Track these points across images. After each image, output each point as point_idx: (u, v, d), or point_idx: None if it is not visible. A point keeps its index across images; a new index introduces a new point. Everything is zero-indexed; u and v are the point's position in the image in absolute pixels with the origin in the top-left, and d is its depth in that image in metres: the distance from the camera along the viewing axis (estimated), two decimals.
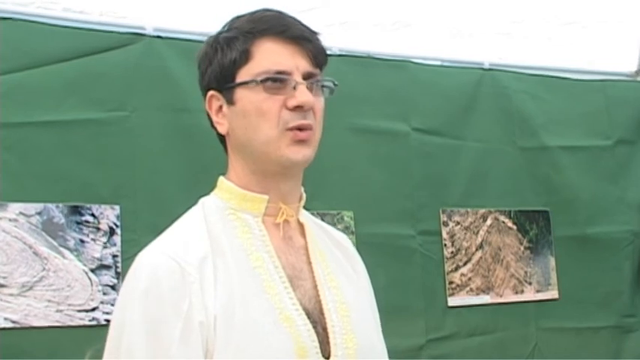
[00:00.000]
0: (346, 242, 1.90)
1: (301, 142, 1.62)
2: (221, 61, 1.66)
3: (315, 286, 1.67)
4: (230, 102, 1.66)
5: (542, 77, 4.84)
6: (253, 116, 1.62)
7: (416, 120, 4.40)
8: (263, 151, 1.63)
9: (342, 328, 1.64)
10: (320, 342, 1.60)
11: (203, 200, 1.73)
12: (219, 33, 1.69)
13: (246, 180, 1.68)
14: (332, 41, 4.17)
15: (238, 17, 1.69)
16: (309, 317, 1.61)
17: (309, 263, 1.70)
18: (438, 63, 4.60)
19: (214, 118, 1.70)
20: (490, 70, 4.65)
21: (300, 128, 1.62)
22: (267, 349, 1.53)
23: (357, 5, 4.41)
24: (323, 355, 1.59)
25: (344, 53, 4.20)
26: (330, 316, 1.64)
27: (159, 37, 3.82)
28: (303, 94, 1.61)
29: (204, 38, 3.74)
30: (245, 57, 1.63)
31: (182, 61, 3.79)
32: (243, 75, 1.64)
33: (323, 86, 1.68)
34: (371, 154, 4.25)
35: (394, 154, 4.33)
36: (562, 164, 4.77)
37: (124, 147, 3.66)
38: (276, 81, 1.61)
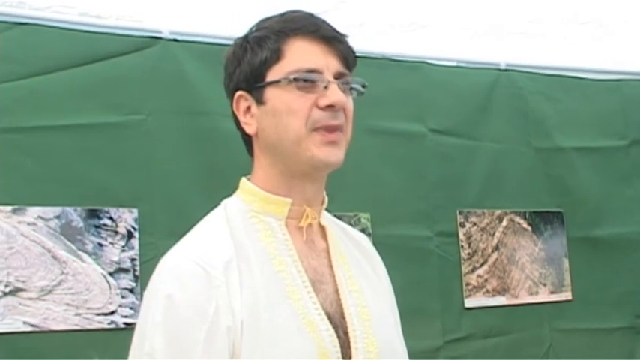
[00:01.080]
0: (366, 243, 1.88)
1: (332, 143, 1.61)
2: (251, 61, 1.64)
3: (337, 290, 1.66)
4: (260, 101, 1.64)
5: (558, 77, 4.82)
6: (284, 115, 1.61)
7: (432, 121, 4.40)
8: (293, 151, 1.61)
9: (363, 332, 1.63)
10: (342, 346, 1.59)
11: (225, 202, 1.71)
12: (248, 34, 1.68)
13: (272, 182, 1.67)
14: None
15: (267, 19, 1.68)
16: (331, 321, 1.60)
17: (331, 267, 1.69)
18: (454, 64, 4.59)
19: (242, 119, 1.67)
20: (506, 70, 4.65)
21: (329, 128, 1.61)
22: (291, 354, 1.53)
23: (372, 6, 4.41)
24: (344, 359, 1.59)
25: (359, 55, 4.17)
26: (352, 320, 1.63)
27: (175, 40, 3.82)
28: (335, 93, 1.60)
29: (221, 41, 3.79)
30: (276, 56, 1.62)
31: (199, 65, 3.81)
32: (273, 74, 1.62)
33: (352, 88, 1.66)
34: (387, 156, 4.25)
35: (410, 155, 4.33)
36: (576, 165, 4.76)
37: (141, 150, 3.67)
38: (308, 80, 1.60)
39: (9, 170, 3.40)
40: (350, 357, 1.60)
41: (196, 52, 3.84)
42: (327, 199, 1.74)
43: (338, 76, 1.62)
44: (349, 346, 1.61)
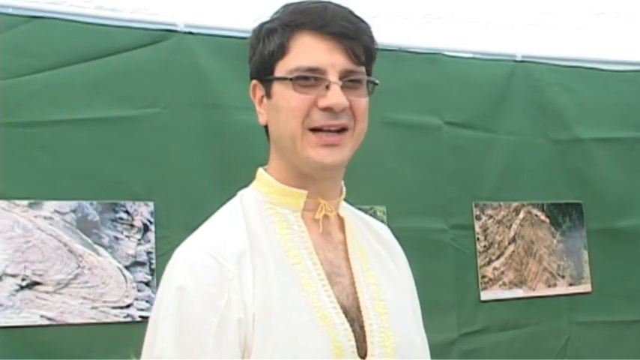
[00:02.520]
0: (387, 234, 1.86)
1: (330, 145, 1.58)
2: (262, 52, 1.62)
3: (353, 283, 1.64)
4: (268, 95, 1.63)
5: (575, 68, 4.79)
6: (283, 112, 1.59)
7: (448, 113, 4.39)
8: (291, 149, 1.60)
9: (379, 327, 1.61)
10: (357, 340, 1.57)
11: (242, 192, 1.70)
12: (266, 22, 1.66)
13: (285, 174, 1.65)
14: None
15: (287, 5, 1.65)
16: (346, 315, 1.58)
17: (348, 259, 1.67)
18: (470, 55, 4.56)
19: (257, 108, 1.67)
20: (522, 61, 4.62)
21: (327, 129, 1.58)
22: (304, 349, 1.51)
23: None
24: (359, 355, 1.57)
25: (375, 47, 4.17)
26: (368, 314, 1.61)
27: (190, 33, 3.82)
28: (334, 95, 1.55)
29: (236, 34, 3.78)
30: (281, 50, 1.59)
31: (213, 58, 3.81)
32: (279, 69, 1.60)
33: (369, 81, 1.63)
34: (403, 148, 4.23)
35: (426, 147, 4.32)
36: (595, 156, 4.73)
37: (156, 144, 3.67)
38: (309, 79, 1.57)
39: (25, 164, 3.42)
40: (366, 351, 1.58)
41: (211, 45, 3.84)
42: (344, 189, 1.72)
43: (344, 74, 1.58)
44: (365, 341, 1.59)
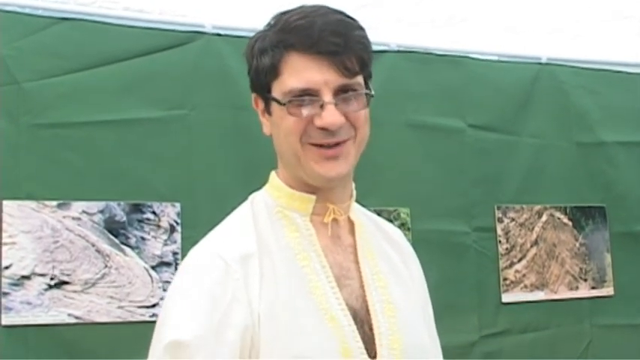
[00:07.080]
0: (399, 237, 1.88)
1: (332, 158, 1.60)
2: (257, 69, 1.63)
3: (363, 286, 1.66)
4: (267, 111, 1.66)
5: (599, 71, 4.77)
6: (282, 130, 1.60)
7: (471, 116, 4.38)
8: (295, 163, 1.62)
9: (387, 329, 1.62)
10: (366, 342, 1.59)
11: (253, 196, 1.73)
12: (258, 37, 1.64)
13: (293, 181, 1.67)
14: (388, 37, 4.17)
15: (280, 16, 1.62)
16: (355, 317, 1.60)
17: (357, 262, 1.68)
18: (495, 58, 4.55)
19: (260, 118, 1.70)
20: (547, 64, 4.61)
21: (327, 145, 1.59)
22: (313, 350, 1.53)
23: (413, 1, 4.40)
24: (369, 355, 1.59)
25: (400, 49, 4.20)
26: (377, 317, 1.63)
27: (218, 34, 3.83)
28: (329, 115, 1.56)
29: None
30: (274, 72, 1.59)
31: (241, 59, 3.70)
32: (275, 89, 1.60)
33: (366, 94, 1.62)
34: (426, 151, 4.24)
35: (450, 150, 4.31)
36: (618, 160, 4.71)
37: (184, 145, 3.69)
38: (303, 99, 1.57)
39: (54, 165, 3.45)
40: (375, 352, 1.60)
41: (239, 46, 3.74)
42: (355, 192, 1.74)
43: (339, 89, 1.57)
44: (374, 342, 1.61)
